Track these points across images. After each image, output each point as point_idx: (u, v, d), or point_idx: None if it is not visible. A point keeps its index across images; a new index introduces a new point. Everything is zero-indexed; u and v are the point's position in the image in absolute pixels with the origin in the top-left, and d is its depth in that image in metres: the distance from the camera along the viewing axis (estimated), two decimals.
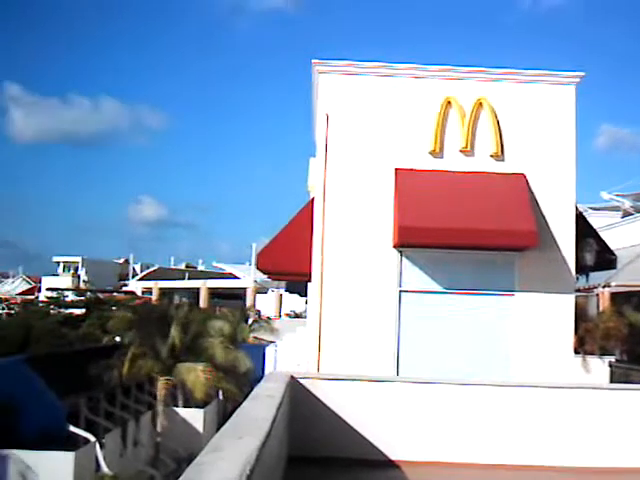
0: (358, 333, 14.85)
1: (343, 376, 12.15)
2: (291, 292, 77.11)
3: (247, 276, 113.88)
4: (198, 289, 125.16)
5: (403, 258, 15.12)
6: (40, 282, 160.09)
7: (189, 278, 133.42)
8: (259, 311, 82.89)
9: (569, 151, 15.48)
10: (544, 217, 15.04)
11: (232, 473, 3.21)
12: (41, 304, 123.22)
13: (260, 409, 5.62)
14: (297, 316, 74.18)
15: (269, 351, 33.22)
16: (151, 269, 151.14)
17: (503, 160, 15.38)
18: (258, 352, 40.38)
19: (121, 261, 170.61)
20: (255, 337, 50.73)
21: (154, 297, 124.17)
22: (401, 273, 15.12)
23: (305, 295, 22.57)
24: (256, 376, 36.26)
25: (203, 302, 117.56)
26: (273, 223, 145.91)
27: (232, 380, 35.32)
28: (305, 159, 21.41)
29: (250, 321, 56.80)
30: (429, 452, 11.31)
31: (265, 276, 24.31)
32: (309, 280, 15.79)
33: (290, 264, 16.35)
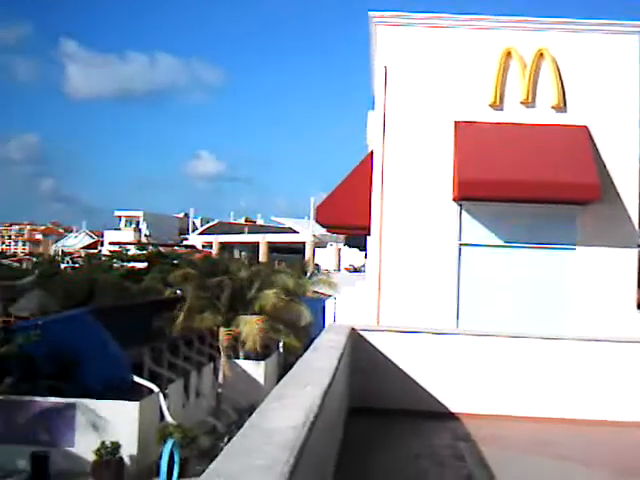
0: (417, 286, 14.86)
1: (403, 328, 12.22)
2: (350, 246, 77.16)
3: (306, 230, 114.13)
4: (257, 243, 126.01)
5: (463, 211, 15.03)
6: (103, 236, 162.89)
7: (248, 232, 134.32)
8: (318, 265, 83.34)
9: (632, 103, 15.13)
10: (607, 170, 14.79)
11: (296, 420, 3.31)
12: (104, 258, 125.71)
13: (322, 360, 5.72)
14: (356, 270, 74.23)
15: (328, 305, 33.40)
16: (211, 223, 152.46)
17: (565, 112, 15.11)
18: (317, 306, 40.58)
19: (181, 215, 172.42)
20: (314, 291, 50.98)
21: (214, 251, 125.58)
22: (461, 227, 15.04)
23: (364, 249, 22.59)
24: (316, 329, 36.58)
25: (262, 256, 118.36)
26: (331, 177, 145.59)
27: (292, 333, 35.68)
28: (364, 112, 21.29)
29: (309, 275, 57.11)
30: (488, 405, 11.37)
31: (324, 230, 24.38)
32: (368, 234, 15.80)
33: (349, 217, 16.37)
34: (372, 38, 16.23)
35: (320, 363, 5.49)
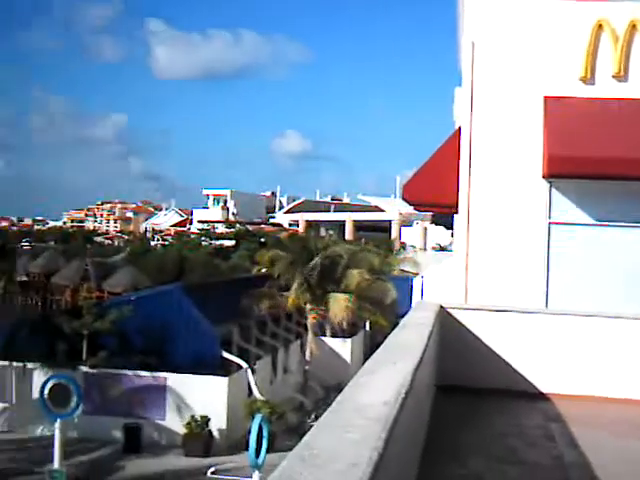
0: (506, 265, 14.68)
1: (493, 307, 12.12)
2: (437, 224, 76.49)
3: (392, 209, 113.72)
4: (343, 222, 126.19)
5: (552, 189, 14.75)
6: (191, 214, 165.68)
7: (334, 211, 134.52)
8: (404, 244, 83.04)
9: None
10: None
11: (388, 395, 3.34)
12: (193, 236, 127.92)
13: (411, 336, 5.73)
14: (442, 249, 73.73)
15: (416, 283, 33.25)
16: (297, 202, 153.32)
17: None
18: (404, 284, 40.51)
19: (268, 194, 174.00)
20: (401, 270, 50.87)
21: (300, 229, 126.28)
22: (550, 205, 14.76)
23: (451, 227, 22.47)
24: (402, 308, 36.53)
25: (348, 234, 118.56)
26: (418, 155, 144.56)
27: (379, 311, 35.72)
28: (450, 89, 21.04)
29: (395, 253, 56.96)
30: (581, 385, 11.20)
31: (410, 209, 24.29)
32: (455, 212, 15.65)
33: (436, 195, 16.23)
34: (459, 12, 16.02)
35: (410, 340, 5.50)
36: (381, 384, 3.57)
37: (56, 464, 17.93)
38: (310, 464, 2.38)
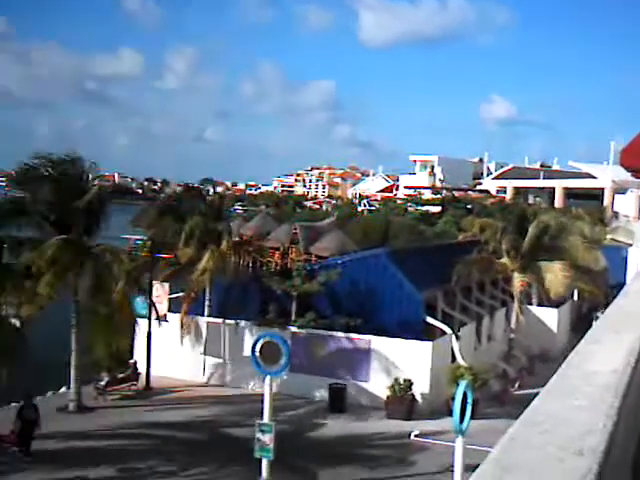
0: None
1: None
2: None
3: (604, 176, 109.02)
4: (553, 189, 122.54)
5: None
6: (398, 180, 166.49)
7: (543, 177, 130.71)
8: (617, 212, 79.49)
9: None
10: None
11: (616, 364, 3.16)
12: (399, 201, 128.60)
13: (635, 305, 5.42)
14: None
15: (631, 252, 31.78)
16: (505, 168, 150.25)
17: None
18: (616, 254, 38.91)
19: (475, 160, 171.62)
20: (613, 239, 48.89)
21: (508, 196, 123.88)
22: None
23: None
24: (614, 278, 35.09)
25: (558, 202, 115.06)
26: (636, 119, 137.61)
27: (589, 281, 34.54)
28: None
29: (607, 222, 54.75)
30: None
31: (625, 176, 23.12)
32: None
33: None
34: None
35: (633, 308, 5.21)
36: (607, 352, 3.38)
37: (266, 418, 18.62)
38: (539, 429, 2.28)
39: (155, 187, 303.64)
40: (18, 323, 25.32)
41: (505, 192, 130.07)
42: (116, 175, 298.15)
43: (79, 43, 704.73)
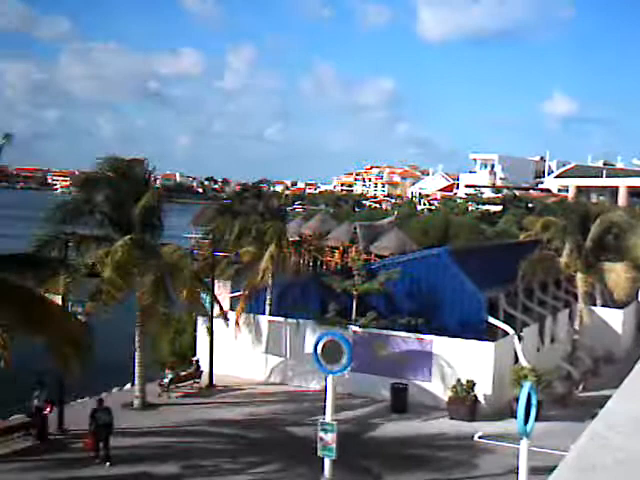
0: None
1: None
2: None
3: None
4: (616, 187, 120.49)
5: None
6: (458, 179, 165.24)
7: (606, 176, 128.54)
8: None
9: None
10: None
11: None
12: (459, 200, 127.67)
13: None
14: None
15: None
16: (567, 166, 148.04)
17: None
18: None
19: (536, 158, 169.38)
20: None
21: (570, 195, 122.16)
22: None
23: None
24: None
25: (621, 201, 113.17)
26: None
27: None
28: None
29: None
30: None
31: None
32: None
33: None
34: None
35: None
36: None
37: (328, 417, 18.72)
38: (616, 431, 2.30)
39: (216, 186, 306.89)
40: (85, 320, 25.84)
41: (567, 191, 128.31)
42: (177, 174, 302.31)
43: (140, 43, 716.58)
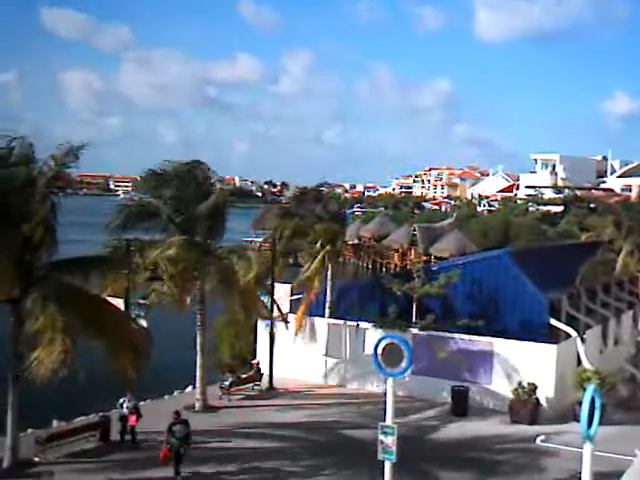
0: None
1: None
2: None
3: None
4: None
5: None
6: (518, 179, 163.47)
7: None
8: None
9: None
10: None
11: None
12: (519, 201, 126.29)
13: None
14: None
15: None
16: (630, 166, 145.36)
17: None
18: None
19: (598, 158, 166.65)
20: None
21: (634, 194, 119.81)
22: None
23: None
24: None
25: None
26: None
27: None
28: None
29: None
30: None
31: None
32: None
33: None
34: None
35: None
36: None
37: (388, 420, 18.63)
38: None
39: (275, 190, 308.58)
40: (145, 323, 26.18)
41: (630, 190, 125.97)
42: (237, 179, 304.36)
43: (197, 50, 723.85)
